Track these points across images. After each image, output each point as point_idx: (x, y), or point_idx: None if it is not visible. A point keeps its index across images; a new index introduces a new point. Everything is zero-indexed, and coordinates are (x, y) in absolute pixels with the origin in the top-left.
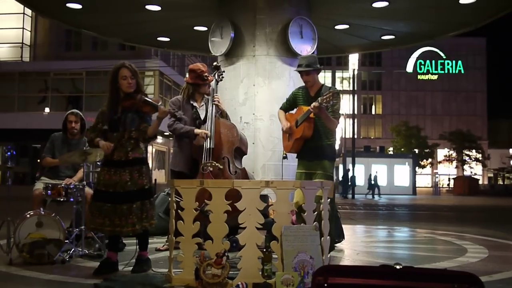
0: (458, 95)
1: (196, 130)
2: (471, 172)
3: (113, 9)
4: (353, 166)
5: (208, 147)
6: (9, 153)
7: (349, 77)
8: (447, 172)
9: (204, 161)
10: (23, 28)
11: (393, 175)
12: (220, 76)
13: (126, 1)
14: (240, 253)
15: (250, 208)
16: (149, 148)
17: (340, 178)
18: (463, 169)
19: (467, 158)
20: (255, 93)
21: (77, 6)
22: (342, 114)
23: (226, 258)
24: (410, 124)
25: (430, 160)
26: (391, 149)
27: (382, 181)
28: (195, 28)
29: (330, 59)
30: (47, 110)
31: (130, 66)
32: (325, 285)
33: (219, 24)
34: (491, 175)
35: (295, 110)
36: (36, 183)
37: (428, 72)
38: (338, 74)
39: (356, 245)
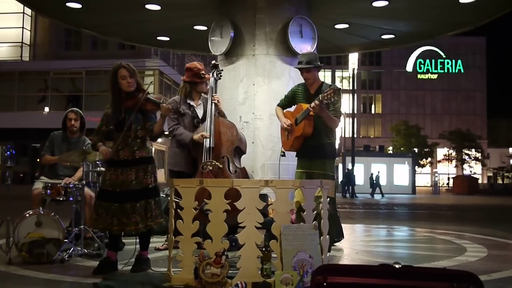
0: (458, 95)
1: (194, 137)
2: (471, 171)
3: (113, 9)
4: (353, 165)
5: (208, 146)
6: (8, 152)
7: (349, 77)
8: (446, 171)
9: (203, 160)
10: (23, 27)
11: (393, 174)
12: (219, 75)
13: (126, 0)
14: (239, 252)
15: (250, 207)
16: None
17: (342, 178)
18: (462, 168)
19: (466, 157)
20: (254, 93)
21: (77, 6)
22: (342, 114)
23: (225, 257)
24: (409, 123)
25: (429, 159)
26: (390, 148)
27: (382, 181)
28: (195, 27)
29: (330, 59)
30: (46, 109)
31: (128, 65)
32: (324, 284)
33: (219, 23)
34: (491, 174)
35: (293, 107)
36: (36, 183)
37: (427, 72)
38: (338, 74)
39: (355, 244)
